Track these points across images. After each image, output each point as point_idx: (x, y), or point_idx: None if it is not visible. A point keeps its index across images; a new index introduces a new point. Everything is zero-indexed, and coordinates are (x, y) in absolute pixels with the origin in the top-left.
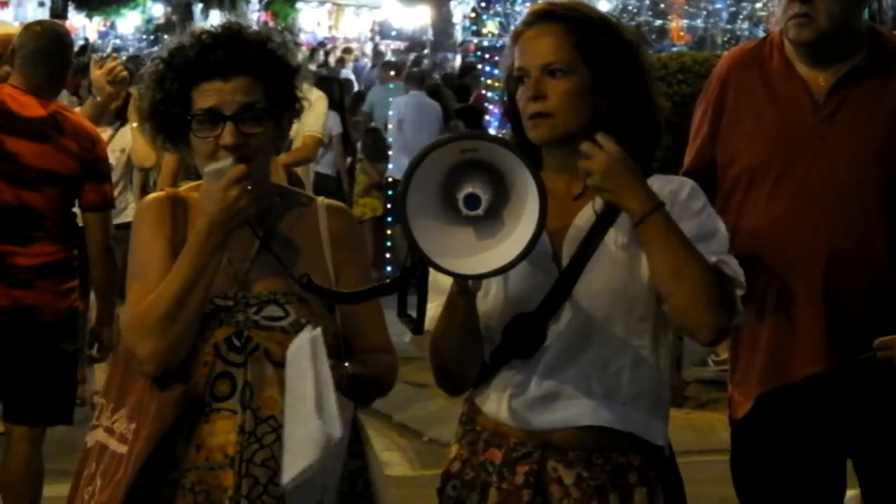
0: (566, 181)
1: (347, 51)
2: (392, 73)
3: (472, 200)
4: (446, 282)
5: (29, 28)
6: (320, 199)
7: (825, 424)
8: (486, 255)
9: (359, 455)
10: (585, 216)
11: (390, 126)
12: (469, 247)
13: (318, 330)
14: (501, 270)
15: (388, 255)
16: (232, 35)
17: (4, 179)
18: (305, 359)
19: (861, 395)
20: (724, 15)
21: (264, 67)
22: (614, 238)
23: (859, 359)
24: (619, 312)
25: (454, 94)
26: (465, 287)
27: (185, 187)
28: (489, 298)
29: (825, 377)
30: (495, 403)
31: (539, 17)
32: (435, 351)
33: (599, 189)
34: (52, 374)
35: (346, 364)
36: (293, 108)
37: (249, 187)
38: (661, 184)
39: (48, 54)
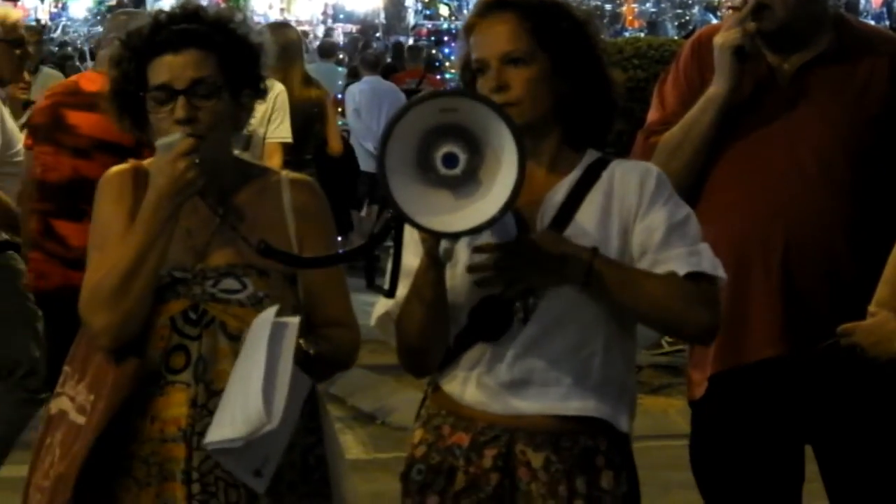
0: (532, 167)
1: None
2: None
3: (451, 159)
4: (412, 263)
5: (116, 16)
6: (285, 172)
7: (782, 408)
8: (464, 214)
9: (314, 431)
10: (553, 199)
11: (348, 114)
12: (446, 206)
13: (296, 319)
14: (480, 228)
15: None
16: (187, 13)
17: (63, 151)
18: (263, 339)
19: (818, 381)
20: (677, 0)
21: (216, 41)
22: (584, 219)
23: (823, 346)
24: (590, 295)
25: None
26: (436, 259)
27: (149, 160)
28: (456, 278)
29: (781, 361)
30: (461, 386)
31: (491, 7)
32: (401, 331)
33: (534, 285)
34: None
35: (302, 341)
36: (255, 86)
37: (198, 160)
38: (625, 169)
39: None
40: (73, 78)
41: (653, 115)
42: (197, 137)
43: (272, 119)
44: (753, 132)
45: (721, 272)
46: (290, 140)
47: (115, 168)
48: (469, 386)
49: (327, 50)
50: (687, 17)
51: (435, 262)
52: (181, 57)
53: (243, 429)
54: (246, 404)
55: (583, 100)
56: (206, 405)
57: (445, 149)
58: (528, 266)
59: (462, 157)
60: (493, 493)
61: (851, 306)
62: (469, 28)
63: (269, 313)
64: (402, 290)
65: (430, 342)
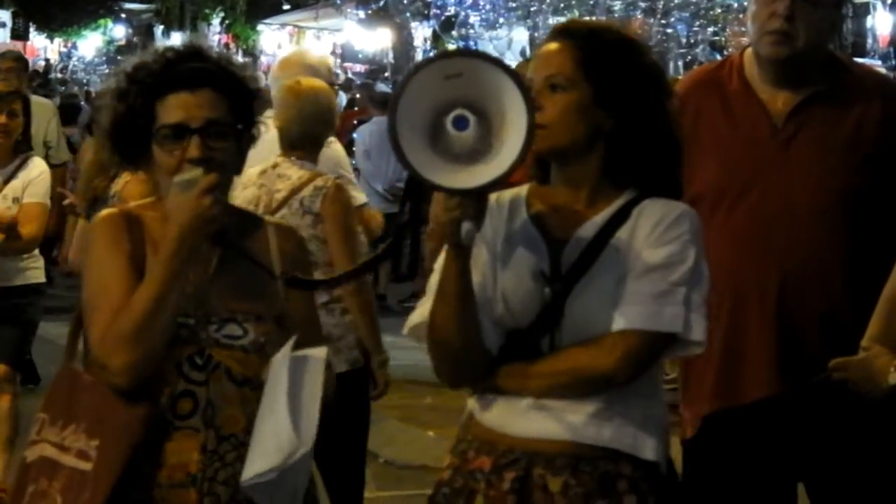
0: (567, 195)
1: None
2: None
3: (461, 122)
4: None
5: None
6: (268, 218)
7: (775, 447)
8: (475, 173)
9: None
10: (581, 237)
11: (357, 155)
12: (459, 167)
13: (324, 350)
14: (492, 184)
15: None
16: (195, 51)
17: None
18: (283, 374)
19: (811, 419)
20: (682, 40)
21: (228, 84)
22: (608, 260)
23: (814, 380)
24: (609, 328)
25: None
26: (458, 245)
27: (134, 204)
28: (488, 308)
29: (775, 400)
30: (487, 410)
31: (554, 33)
32: (432, 333)
33: None
34: None
35: None
36: (252, 130)
37: (219, 196)
38: (653, 207)
39: None
40: None
41: None
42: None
43: None
44: (748, 171)
45: (694, 332)
46: None
47: (106, 212)
48: (493, 407)
49: (381, 102)
50: (689, 57)
51: (457, 249)
52: (197, 96)
53: (276, 457)
54: (277, 433)
55: (626, 135)
56: (216, 450)
57: (456, 112)
58: None
59: (472, 119)
60: None
61: (847, 345)
62: (538, 50)
63: (286, 349)
64: (431, 303)
65: (461, 344)
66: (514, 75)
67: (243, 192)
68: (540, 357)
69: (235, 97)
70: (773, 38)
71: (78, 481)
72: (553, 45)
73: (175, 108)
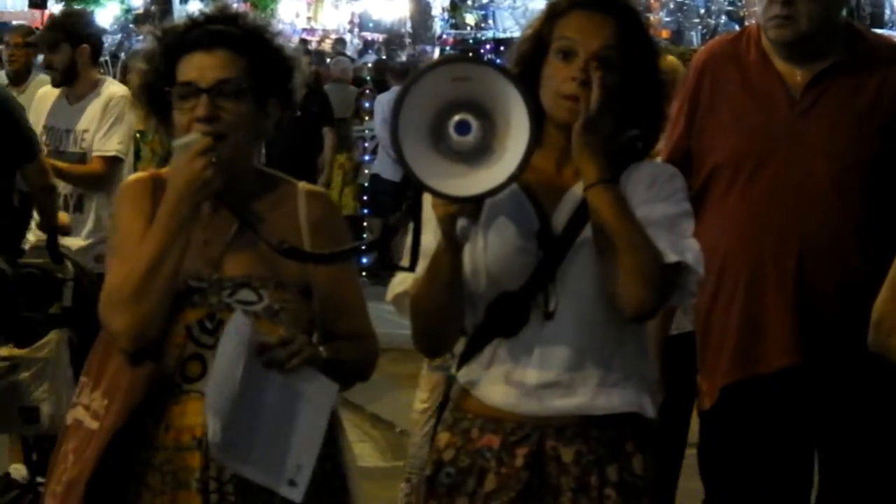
0: (556, 160)
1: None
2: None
3: (463, 127)
4: (430, 243)
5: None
6: (301, 184)
7: (793, 416)
8: (475, 180)
9: (330, 443)
10: (576, 192)
11: (376, 123)
12: (458, 173)
13: (249, 318)
14: (490, 193)
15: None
16: (226, 15)
17: None
18: (240, 342)
19: (829, 389)
20: (700, 10)
21: (249, 46)
22: None
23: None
24: (603, 293)
25: None
26: (453, 239)
27: (167, 169)
28: (475, 272)
29: (793, 370)
30: (489, 387)
31: (591, 2)
32: (416, 311)
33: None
34: None
35: (320, 348)
36: (285, 98)
37: (215, 159)
38: (642, 168)
39: None
40: None
41: (663, 149)
42: (215, 137)
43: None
44: (765, 143)
45: (701, 269)
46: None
47: (134, 176)
48: (497, 387)
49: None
50: (706, 28)
51: (452, 243)
52: (211, 56)
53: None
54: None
55: (633, 113)
56: None
57: (458, 116)
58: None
59: (474, 124)
60: (522, 490)
61: (865, 315)
62: (562, 10)
63: (235, 320)
64: (420, 269)
65: (445, 323)
66: (520, 85)
67: None
68: (529, 318)
69: (259, 62)
70: (775, 23)
71: (87, 439)
72: (601, 17)
73: (189, 68)
